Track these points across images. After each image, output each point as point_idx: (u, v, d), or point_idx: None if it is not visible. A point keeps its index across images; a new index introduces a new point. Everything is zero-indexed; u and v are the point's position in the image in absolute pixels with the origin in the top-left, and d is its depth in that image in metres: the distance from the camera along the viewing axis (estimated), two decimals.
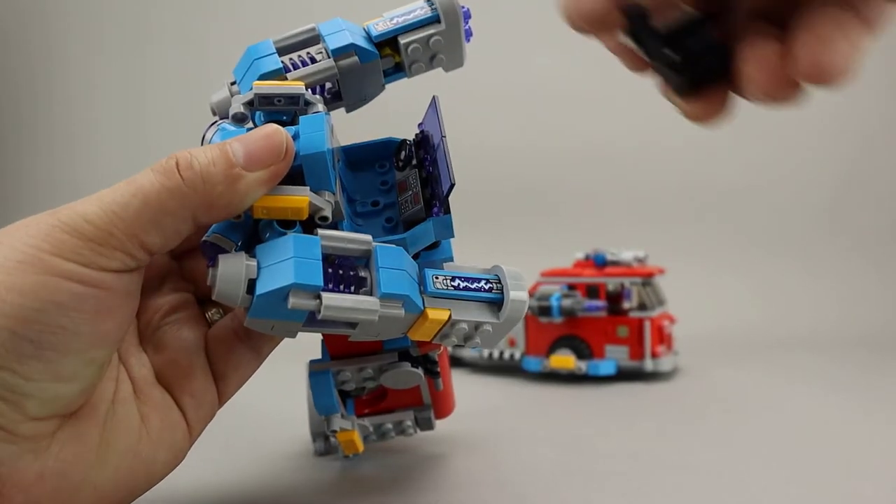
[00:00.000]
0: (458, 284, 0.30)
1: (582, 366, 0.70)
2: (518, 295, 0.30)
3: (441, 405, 0.44)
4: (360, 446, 0.39)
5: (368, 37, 0.36)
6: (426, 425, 0.44)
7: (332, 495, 0.38)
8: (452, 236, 0.32)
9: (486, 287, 0.30)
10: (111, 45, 1.51)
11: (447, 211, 0.31)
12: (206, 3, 1.47)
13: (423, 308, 0.28)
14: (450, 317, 0.29)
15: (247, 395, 0.34)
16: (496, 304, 0.30)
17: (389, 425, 0.42)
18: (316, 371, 0.37)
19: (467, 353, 0.79)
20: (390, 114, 0.57)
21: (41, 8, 1.54)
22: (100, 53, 1.52)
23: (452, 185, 0.30)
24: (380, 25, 0.36)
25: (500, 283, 0.31)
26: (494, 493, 0.39)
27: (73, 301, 0.24)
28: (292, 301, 0.26)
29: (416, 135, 0.35)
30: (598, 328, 0.72)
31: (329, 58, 0.35)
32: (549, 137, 1.30)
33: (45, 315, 0.24)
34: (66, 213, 0.25)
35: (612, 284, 0.73)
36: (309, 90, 0.32)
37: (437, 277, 0.30)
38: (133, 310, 0.27)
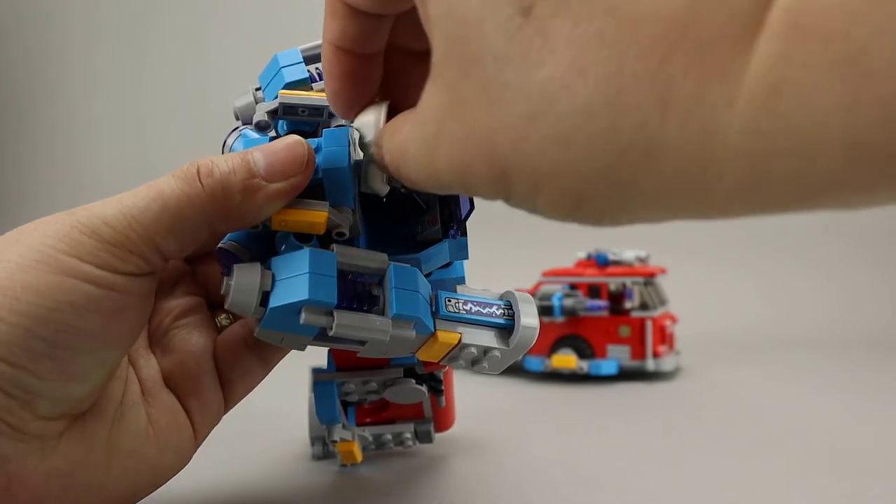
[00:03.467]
0: (470, 308, 0.30)
1: (584, 365, 0.70)
2: (529, 322, 0.30)
3: (442, 419, 0.45)
4: (359, 457, 0.39)
5: None
6: (425, 438, 0.44)
7: (330, 499, 0.38)
8: (467, 258, 0.32)
9: (498, 313, 0.30)
10: (111, 45, 1.51)
11: (464, 233, 0.31)
12: (206, 4, 1.47)
13: (433, 330, 0.28)
14: (459, 340, 0.29)
15: (249, 394, 0.34)
16: (506, 330, 0.30)
17: (389, 436, 0.42)
18: (320, 381, 0.37)
19: None
20: None
21: (41, 8, 1.54)
22: (100, 53, 1.52)
23: (472, 209, 0.30)
24: None
25: (511, 309, 0.30)
26: (495, 495, 0.39)
27: (88, 302, 0.24)
28: (305, 317, 0.26)
29: None
30: (600, 328, 0.72)
31: None
32: None
33: (60, 315, 0.24)
34: (85, 214, 0.25)
35: (613, 284, 0.73)
36: None
37: (449, 300, 0.29)
38: (146, 313, 0.27)
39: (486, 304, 0.30)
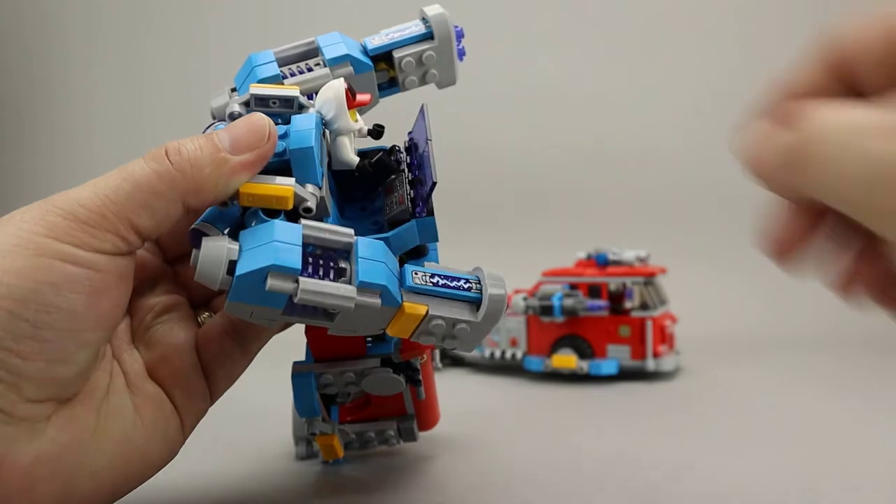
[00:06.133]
0: (437, 281, 0.30)
1: (584, 365, 0.70)
2: (496, 292, 0.30)
3: (425, 417, 0.45)
4: (340, 452, 0.39)
5: (364, 50, 0.37)
6: (409, 436, 0.43)
7: (323, 499, 0.38)
8: (437, 240, 0.32)
9: (466, 286, 0.30)
10: (111, 45, 1.51)
11: (431, 212, 0.32)
12: (205, 4, 1.47)
13: (400, 301, 0.29)
14: (427, 312, 0.29)
15: (235, 392, 0.34)
16: (475, 303, 0.30)
17: (372, 434, 0.42)
18: (298, 373, 0.37)
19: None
20: (387, 123, 0.57)
21: (41, 8, 1.54)
22: (100, 53, 1.51)
23: (434, 184, 0.31)
24: (375, 40, 0.38)
25: (479, 283, 0.31)
26: (493, 494, 0.39)
27: (68, 282, 0.25)
28: (270, 283, 0.26)
29: (405, 142, 0.36)
30: (600, 328, 0.72)
31: (325, 67, 0.36)
32: (552, 137, 1.30)
33: (41, 295, 0.24)
34: (60, 198, 0.26)
35: (614, 284, 0.73)
36: (305, 96, 0.33)
37: (416, 273, 0.30)
38: (126, 294, 0.28)
39: (453, 278, 0.31)
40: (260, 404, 0.55)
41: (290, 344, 0.39)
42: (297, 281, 0.26)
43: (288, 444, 0.48)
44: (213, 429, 0.34)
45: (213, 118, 0.36)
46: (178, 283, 0.35)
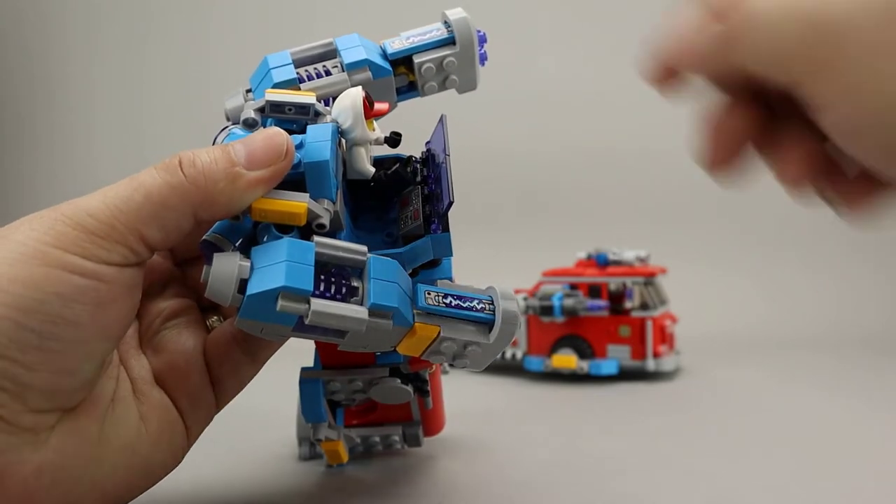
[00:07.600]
0: (450, 302, 0.30)
1: (584, 365, 0.70)
2: (509, 317, 0.30)
3: (431, 423, 0.45)
4: (345, 457, 0.39)
5: (384, 54, 0.36)
6: (414, 441, 0.43)
7: (316, 500, 0.38)
8: (451, 255, 0.32)
9: (479, 307, 0.30)
10: (111, 45, 1.51)
11: (446, 229, 0.31)
12: (206, 4, 1.47)
13: (412, 323, 0.29)
14: (439, 333, 0.29)
15: (240, 393, 0.34)
16: (487, 324, 0.30)
17: (377, 438, 0.42)
18: (306, 379, 0.37)
19: None
20: (402, 129, 0.57)
21: (41, 8, 1.54)
22: (99, 53, 1.51)
23: (451, 203, 0.30)
24: (396, 44, 0.37)
25: (492, 303, 0.31)
26: (494, 495, 0.38)
27: (75, 293, 0.25)
28: (281, 304, 0.26)
29: (423, 152, 0.35)
30: (600, 328, 0.72)
31: (343, 72, 0.35)
32: (553, 138, 1.30)
33: (48, 305, 0.24)
34: (69, 207, 0.26)
35: (614, 284, 0.73)
36: (321, 102, 0.32)
37: (429, 293, 0.30)
38: (134, 306, 0.28)
39: (466, 299, 0.30)
40: (262, 405, 0.55)
41: (295, 348, 0.39)
42: (308, 302, 0.26)
43: (291, 446, 0.48)
44: (216, 430, 0.34)
45: (228, 120, 0.35)
46: (187, 286, 0.35)
